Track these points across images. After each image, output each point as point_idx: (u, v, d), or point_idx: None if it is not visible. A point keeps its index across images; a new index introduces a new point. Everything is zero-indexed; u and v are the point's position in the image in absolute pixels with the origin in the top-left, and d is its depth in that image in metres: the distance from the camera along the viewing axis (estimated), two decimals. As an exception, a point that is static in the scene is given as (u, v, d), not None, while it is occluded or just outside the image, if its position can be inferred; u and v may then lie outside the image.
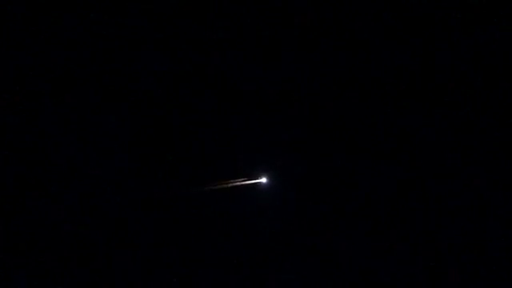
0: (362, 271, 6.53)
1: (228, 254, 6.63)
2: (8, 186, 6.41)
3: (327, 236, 6.63)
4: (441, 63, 6.60)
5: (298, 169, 6.78)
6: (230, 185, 6.68)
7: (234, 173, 6.71)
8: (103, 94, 6.69)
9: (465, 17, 6.44)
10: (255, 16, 6.66)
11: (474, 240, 6.40)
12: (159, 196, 6.64)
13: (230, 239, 6.68)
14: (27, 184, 6.47)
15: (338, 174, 6.71)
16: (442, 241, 6.47)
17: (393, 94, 6.66)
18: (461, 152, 6.53)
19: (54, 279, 6.35)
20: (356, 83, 6.70)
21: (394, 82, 6.66)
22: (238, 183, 6.70)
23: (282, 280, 6.58)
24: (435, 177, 6.52)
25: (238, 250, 6.64)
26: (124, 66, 6.70)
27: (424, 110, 6.56)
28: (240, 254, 6.63)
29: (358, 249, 6.55)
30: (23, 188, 6.46)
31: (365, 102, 6.69)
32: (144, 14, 6.61)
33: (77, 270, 6.43)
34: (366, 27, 6.62)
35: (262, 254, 6.64)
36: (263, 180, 6.74)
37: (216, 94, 6.80)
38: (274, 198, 6.75)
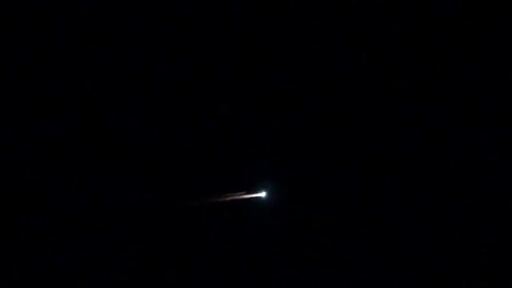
0: (363, 285, 6.51)
1: (227, 268, 6.61)
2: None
3: (327, 251, 6.61)
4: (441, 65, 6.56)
5: (298, 183, 6.76)
6: (230, 198, 6.66)
7: (234, 186, 6.69)
8: (105, 102, 6.68)
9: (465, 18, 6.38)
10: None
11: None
12: (159, 209, 6.63)
13: (229, 252, 6.67)
14: (27, 188, 6.48)
15: (339, 189, 6.68)
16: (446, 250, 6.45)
17: (394, 108, 6.62)
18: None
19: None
20: (357, 99, 6.68)
21: (395, 97, 6.64)
22: (238, 197, 6.68)
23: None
24: (442, 188, 6.48)
25: (236, 263, 6.62)
26: (126, 75, 6.68)
27: (429, 119, 6.53)
28: (239, 267, 6.61)
29: (358, 263, 6.53)
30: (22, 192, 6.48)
31: (367, 117, 6.66)
32: (143, 15, 6.58)
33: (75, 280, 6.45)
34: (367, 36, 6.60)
35: (261, 268, 6.62)
36: (263, 194, 6.73)
37: (218, 107, 6.78)
38: (273, 212, 6.72)
